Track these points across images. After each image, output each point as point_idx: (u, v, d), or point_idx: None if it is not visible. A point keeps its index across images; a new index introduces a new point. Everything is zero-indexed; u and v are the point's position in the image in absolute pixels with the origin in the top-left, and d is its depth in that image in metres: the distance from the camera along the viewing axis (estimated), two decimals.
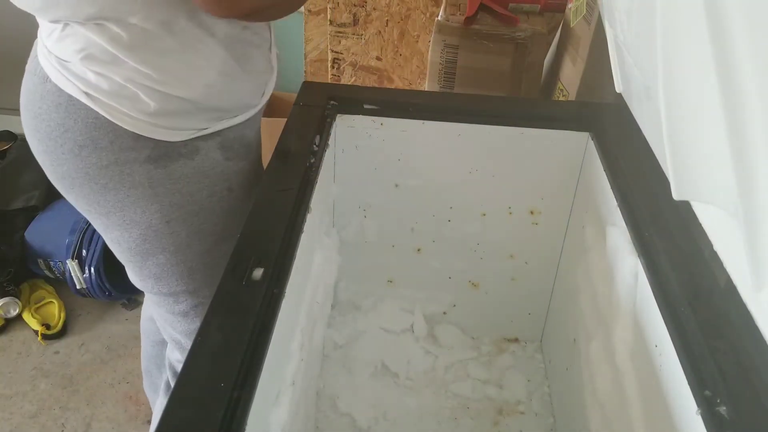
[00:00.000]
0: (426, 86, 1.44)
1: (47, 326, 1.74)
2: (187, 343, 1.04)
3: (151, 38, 0.77)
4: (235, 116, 0.90)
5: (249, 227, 0.80)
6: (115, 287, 1.77)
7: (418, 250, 1.23)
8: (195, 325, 1.01)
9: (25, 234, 1.84)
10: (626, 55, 0.94)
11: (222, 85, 0.84)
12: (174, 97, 0.80)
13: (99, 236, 1.70)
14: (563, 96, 1.35)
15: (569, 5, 1.40)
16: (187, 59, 0.80)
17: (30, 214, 1.87)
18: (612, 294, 0.87)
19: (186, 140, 0.85)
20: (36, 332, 1.72)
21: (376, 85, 1.76)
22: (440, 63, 1.37)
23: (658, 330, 0.70)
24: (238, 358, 0.61)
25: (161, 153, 0.84)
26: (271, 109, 1.43)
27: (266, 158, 0.92)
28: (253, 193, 0.92)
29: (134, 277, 0.99)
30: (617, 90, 1.02)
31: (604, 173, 0.95)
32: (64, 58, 0.79)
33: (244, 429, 0.57)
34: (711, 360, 0.62)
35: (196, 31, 0.79)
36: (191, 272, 0.95)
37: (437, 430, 1.16)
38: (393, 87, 1.75)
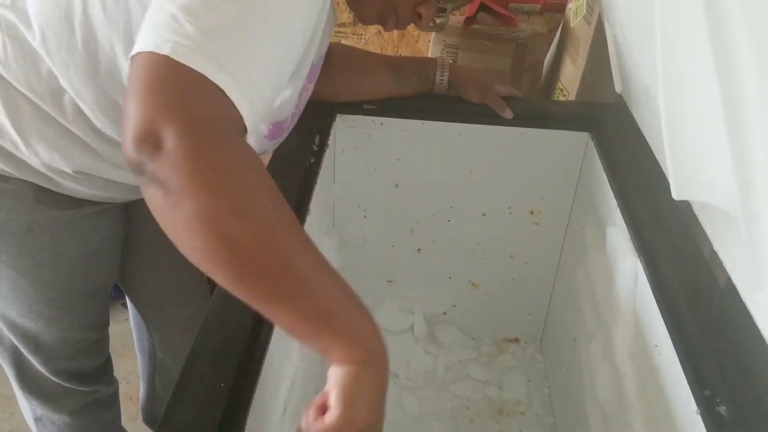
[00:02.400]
0: None
1: None
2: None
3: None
4: None
5: None
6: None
7: (418, 250, 1.23)
8: None
9: None
10: (626, 55, 0.94)
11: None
12: None
13: None
14: (563, 96, 1.35)
15: (569, 5, 1.40)
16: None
17: None
18: (612, 294, 0.87)
19: None
20: None
21: None
22: None
23: (658, 330, 0.70)
24: (238, 358, 0.61)
25: None
26: None
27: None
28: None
29: None
30: (617, 90, 1.02)
31: (603, 173, 0.94)
32: None
33: (244, 429, 0.57)
34: (711, 360, 0.62)
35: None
36: None
37: (437, 430, 1.16)
38: None
